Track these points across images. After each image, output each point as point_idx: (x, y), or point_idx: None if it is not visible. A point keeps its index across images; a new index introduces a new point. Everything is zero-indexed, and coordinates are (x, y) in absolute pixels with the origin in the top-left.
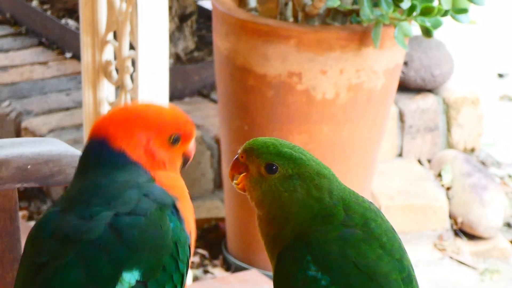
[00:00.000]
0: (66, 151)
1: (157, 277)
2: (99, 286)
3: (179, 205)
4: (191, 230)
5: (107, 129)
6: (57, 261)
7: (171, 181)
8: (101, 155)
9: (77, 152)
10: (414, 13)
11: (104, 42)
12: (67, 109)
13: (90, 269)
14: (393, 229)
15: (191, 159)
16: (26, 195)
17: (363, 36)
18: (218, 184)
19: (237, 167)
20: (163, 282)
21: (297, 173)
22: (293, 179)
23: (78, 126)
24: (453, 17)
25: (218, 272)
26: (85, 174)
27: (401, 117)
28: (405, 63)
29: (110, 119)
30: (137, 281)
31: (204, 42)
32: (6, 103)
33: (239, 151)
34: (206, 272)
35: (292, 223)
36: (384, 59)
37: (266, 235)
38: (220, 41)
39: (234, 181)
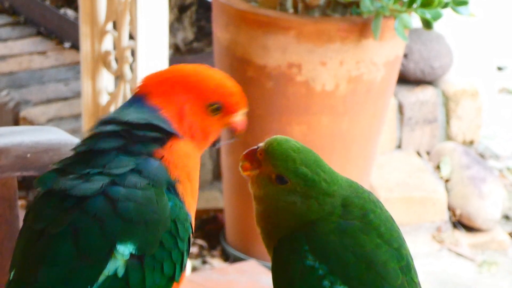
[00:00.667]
0: (65, 139)
1: (153, 253)
2: (92, 258)
3: (179, 187)
4: (190, 212)
5: (150, 85)
6: (53, 229)
7: (182, 158)
8: (133, 105)
9: (77, 140)
10: (414, 5)
11: (103, 32)
12: (66, 99)
13: (83, 240)
14: (392, 218)
15: (238, 133)
16: (24, 185)
17: (363, 27)
18: (216, 175)
19: (252, 158)
20: (160, 258)
21: (304, 192)
22: (298, 195)
23: (77, 116)
24: (453, 9)
25: (217, 262)
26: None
27: (400, 109)
28: (405, 55)
29: (156, 76)
30: (132, 255)
31: (203, 33)
32: (5, 92)
33: (260, 145)
34: (204, 262)
35: (287, 225)
36: (384, 51)
37: (262, 227)
38: (219, 32)
39: (242, 164)
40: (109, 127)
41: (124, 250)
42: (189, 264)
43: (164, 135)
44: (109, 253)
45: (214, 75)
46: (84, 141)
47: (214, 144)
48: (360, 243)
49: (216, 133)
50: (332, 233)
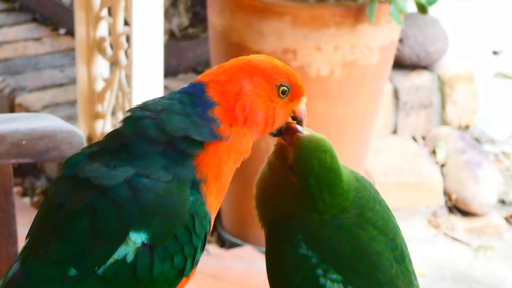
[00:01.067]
0: (61, 126)
1: (166, 245)
2: (104, 240)
3: (203, 188)
4: (212, 211)
5: (213, 73)
6: (72, 206)
7: (216, 159)
8: (186, 96)
9: (72, 127)
10: None
11: (98, 18)
12: (61, 85)
13: (99, 221)
14: (388, 208)
15: (304, 122)
16: (20, 171)
17: (358, 12)
18: None
19: (290, 134)
20: (172, 251)
21: (305, 193)
22: (298, 191)
23: (72, 103)
24: None
25: (213, 248)
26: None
27: (396, 94)
28: (400, 40)
29: (219, 66)
30: (143, 243)
31: (198, 19)
32: (0, 79)
33: (304, 132)
34: None
35: (280, 203)
36: (379, 36)
37: (259, 202)
38: (215, 18)
39: (275, 135)
40: (150, 131)
41: (137, 238)
42: None
43: (202, 146)
44: (122, 238)
45: (281, 63)
46: (122, 129)
47: (277, 133)
48: (354, 236)
49: (282, 117)
50: (326, 227)
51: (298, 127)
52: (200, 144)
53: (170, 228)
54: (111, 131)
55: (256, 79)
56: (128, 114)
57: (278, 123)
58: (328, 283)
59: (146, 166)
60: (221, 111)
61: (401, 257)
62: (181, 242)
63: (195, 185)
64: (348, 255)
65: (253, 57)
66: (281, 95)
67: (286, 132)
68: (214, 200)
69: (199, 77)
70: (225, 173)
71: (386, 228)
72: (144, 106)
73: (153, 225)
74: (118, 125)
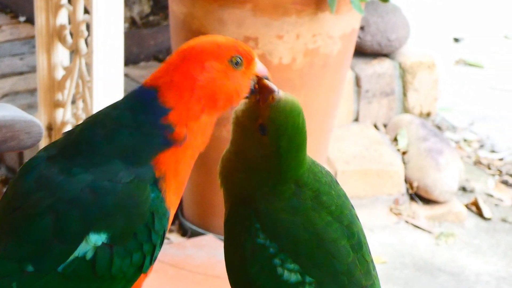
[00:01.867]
0: (19, 116)
1: (125, 243)
2: (64, 241)
3: (163, 185)
4: (170, 208)
5: (161, 76)
6: (31, 208)
7: (175, 163)
8: (138, 107)
9: (31, 117)
10: None
11: (58, 6)
12: (21, 73)
13: (59, 223)
14: (345, 197)
15: (268, 76)
16: None
17: (319, 0)
18: None
19: (264, 95)
20: (131, 248)
21: (274, 153)
22: (267, 150)
23: (32, 91)
24: None
25: (174, 237)
26: (103, 117)
27: (357, 82)
28: (361, 28)
29: (165, 65)
30: (103, 243)
31: (159, 6)
32: None
33: (278, 94)
34: None
35: (252, 178)
36: (341, 24)
37: (228, 167)
38: (175, 5)
39: (252, 88)
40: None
41: (97, 239)
42: None
43: (158, 151)
44: (82, 238)
45: (221, 37)
46: (78, 137)
47: (249, 95)
48: (310, 221)
49: (246, 86)
50: (283, 210)
51: (273, 86)
52: (157, 149)
53: (130, 228)
54: (68, 133)
55: (207, 63)
56: (81, 126)
57: (244, 93)
58: (286, 273)
59: (105, 170)
60: (175, 115)
61: (358, 246)
62: (140, 240)
63: (155, 183)
64: (305, 243)
65: (195, 42)
66: (236, 67)
67: (261, 92)
68: (173, 196)
69: (150, 81)
70: (182, 169)
71: (340, 215)
72: (94, 121)
73: (113, 226)
74: (74, 132)
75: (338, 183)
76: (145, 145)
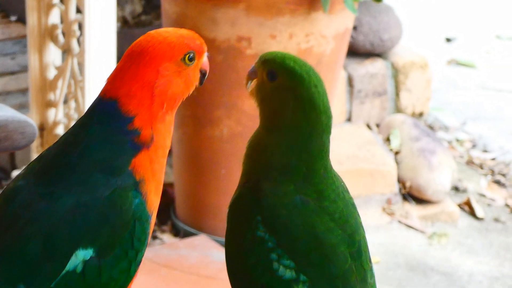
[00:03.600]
0: (13, 116)
1: (112, 253)
2: (54, 260)
3: (144, 188)
4: (152, 210)
5: (117, 86)
6: (18, 234)
7: (149, 163)
8: (105, 120)
9: (25, 117)
10: None
11: (50, 5)
12: (13, 73)
13: (48, 244)
14: (353, 206)
15: (207, 72)
16: None
17: (313, 0)
18: None
19: (250, 73)
20: (118, 258)
21: (294, 88)
22: (288, 92)
23: (24, 91)
24: None
25: (167, 237)
26: (73, 137)
27: (350, 81)
28: (354, 28)
29: (118, 71)
30: (92, 257)
31: (152, 6)
32: None
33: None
34: (154, 237)
35: (269, 150)
36: (334, 24)
37: (252, 143)
38: (168, 5)
39: (248, 86)
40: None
41: (86, 254)
42: None
43: (132, 156)
44: (71, 255)
45: (169, 32)
46: (54, 159)
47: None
48: (311, 223)
49: (196, 77)
50: (285, 207)
51: (251, 67)
52: (131, 155)
53: (116, 239)
54: (41, 157)
55: (161, 66)
56: (53, 150)
57: (192, 87)
58: (281, 268)
59: (86, 187)
60: (140, 120)
61: (357, 254)
62: (125, 248)
63: (136, 187)
64: (304, 242)
65: (146, 43)
66: (189, 62)
67: (250, 76)
68: (154, 197)
69: (109, 91)
70: (158, 169)
71: (345, 224)
72: (65, 142)
73: (99, 240)
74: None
75: (348, 191)
76: (117, 154)
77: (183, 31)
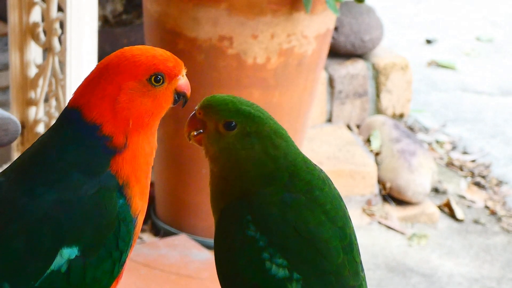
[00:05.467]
0: None
1: (97, 254)
2: (38, 258)
3: (128, 192)
4: (138, 213)
5: (82, 95)
6: (0, 232)
7: (130, 163)
8: (69, 127)
9: (8, 114)
10: None
11: (31, 4)
12: None
13: (31, 241)
14: (340, 197)
15: (188, 95)
16: None
17: (295, 0)
18: None
19: (194, 123)
20: (102, 258)
21: (255, 131)
22: (251, 137)
23: (5, 89)
24: None
25: (147, 237)
26: (48, 139)
27: (331, 82)
28: (335, 29)
29: (86, 83)
30: (76, 256)
31: (133, 5)
32: None
33: (196, 107)
34: None
35: (243, 181)
36: (315, 24)
37: (215, 190)
38: (149, 4)
39: (187, 135)
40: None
41: (71, 253)
42: None
43: (109, 157)
44: (55, 254)
45: (141, 50)
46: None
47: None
48: (303, 218)
49: (166, 101)
50: (275, 205)
51: (192, 114)
52: (108, 156)
53: (100, 238)
54: (20, 158)
55: (125, 83)
56: (31, 150)
57: (165, 108)
58: (274, 267)
59: (68, 185)
60: (107, 128)
61: (349, 248)
62: (109, 248)
63: (120, 190)
64: (296, 240)
65: (113, 59)
66: (156, 84)
67: (192, 125)
68: (139, 201)
69: (73, 100)
70: (141, 176)
71: (335, 216)
72: (41, 143)
73: (84, 239)
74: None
75: (332, 183)
76: (93, 155)
77: (158, 52)
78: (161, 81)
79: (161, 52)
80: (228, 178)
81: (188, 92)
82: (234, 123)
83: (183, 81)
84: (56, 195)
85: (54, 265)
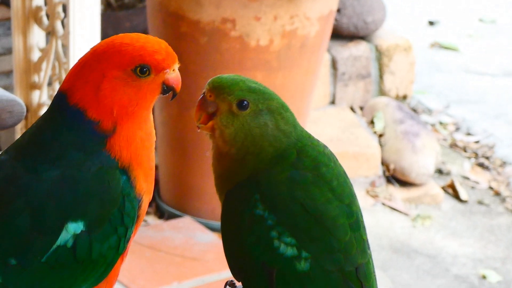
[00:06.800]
0: (1, 95)
1: (102, 229)
2: (44, 233)
3: (131, 174)
4: (142, 194)
5: (69, 80)
6: (5, 208)
7: (127, 145)
8: (57, 109)
9: (13, 96)
10: None
11: None
12: None
13: (37, 217)
14: (345, 174)
15: (177, 89)
16: None
17: None
18: None
19: (205, 106)
20: (107, 233)
21: (266, 107)
22: (263, 114)
23: (8, 73)
24: None
25: (151, 219)
26: (42, 121)
27: (334, 64)
28: (338, 10)
29: (74, 67)
30: (82, 231)
31: None
32: None
33: (205, 90)
34: None
35: (259, 159)
36: (318, 6)
37: (223, 172)
38: None
39: (199, 122)
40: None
41: (76, 228)
42: None
43: (102, 140)
44: (61, 229)
45: (132, 39)
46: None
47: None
48: (311, 196)
49: (152, 93)
50: (283, 183)
51: (200, 98)
52: (101, 140)
53: (105, 214)
54: (20, 138)
55: (109, 72)
56: (29, 131)
57: (150, 99)
58: (282, 246)
59: (69, 162)
60: (92, 113)
61: (356, 225)
62: (114, 224)
63: (122, 171)
64: (304, 218)
65: (100, 46)
66: (141, 75)
67: (202, 109)
68: (144, 183)
69: (62, 83)
70: (142, 160)
71: (342, 193)
72: (38, 126)
73: (89, 214)
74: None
75: (337, 159)
76: (85, 137)
77: (149, 43)
78: (147, 72)
79: (153, 43)
80: (245, 158)
81: (177, 87)
82: (246, 101)
83: (173, 75)
84: (58, 171)
85: (60, 240)
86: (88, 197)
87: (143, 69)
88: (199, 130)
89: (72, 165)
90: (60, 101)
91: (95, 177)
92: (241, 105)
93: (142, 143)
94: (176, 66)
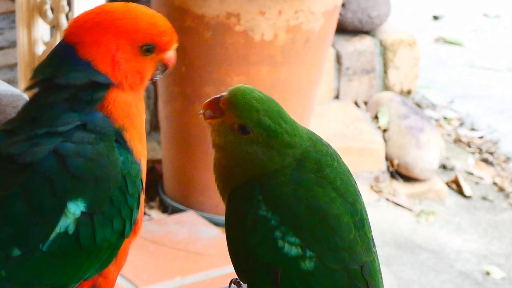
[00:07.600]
0: (6, 90)
1: (104, 210)
2: (43, 217)
3: (126, 135)
4: (140, 158)
5: (79, 33)
6: (2, 192)
7: (123, 106)
8: (66, 62)
9: (18, 91)
10: None
11: None
12: (1, 49)
13: (34, 200)
14: (349, 172)
15: (170, 68)
16: None
17: None
18: (154, 126)
19: (214, 107)
20: (110, 215)
21: (266, 143)
22: (259, 146)
23: (12, 66)
24: None
25: (155, 213)
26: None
27: (338, 59)
28: (343, 5)
29: (84, 21)
30: (83, 213)
31: None
32: None
33: (224, 94)
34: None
35: (246, 172)
36: (323, 0)
37: (220, 175)
38: None
39: (203, 111)
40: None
41: (76, 209)
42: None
43: (104, 89)
44: (60, 211)
45: (144, 14)
46: (29, 104)
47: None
48: (314, 195)
49: (151, 71)
50: (286, 185)
51: (216, 97)
52: (103, 87)
53: (106, 192)
54: (24, 106)
55: (121, 41)
56: (32, 81)
57: (147, 78)
58: (286, 246)
59: (63, 126)
60: (101, 67)
61: (360, 223)
62: (117, 205)
63: (119, 136)
64: (308, 217)
65: (116, 13)
66: (146, 53)
67: (212, 108)
68: (139, 145)
69: (70, 34)
70: (137, 122)
71: (346, 192)
72: (40, 69)
73: (88, 192)
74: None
75: (340, 157)
76: (82, 79)
77: (159, 21)
78: (151, 51)
79: (162, 22)
80: (231, 167)
81: (171, 65)
82: (250, 130)
83: (169, 54)
84: (52, 145)
85: (60, 227)
86: (87, 172)
87: (148, 47)
88: (200, 117)
89: (67, 137)
90: (66, 51)
91: (95, 151)
92: (243, 130)
93: (137, 109)
94: (175, 46)
